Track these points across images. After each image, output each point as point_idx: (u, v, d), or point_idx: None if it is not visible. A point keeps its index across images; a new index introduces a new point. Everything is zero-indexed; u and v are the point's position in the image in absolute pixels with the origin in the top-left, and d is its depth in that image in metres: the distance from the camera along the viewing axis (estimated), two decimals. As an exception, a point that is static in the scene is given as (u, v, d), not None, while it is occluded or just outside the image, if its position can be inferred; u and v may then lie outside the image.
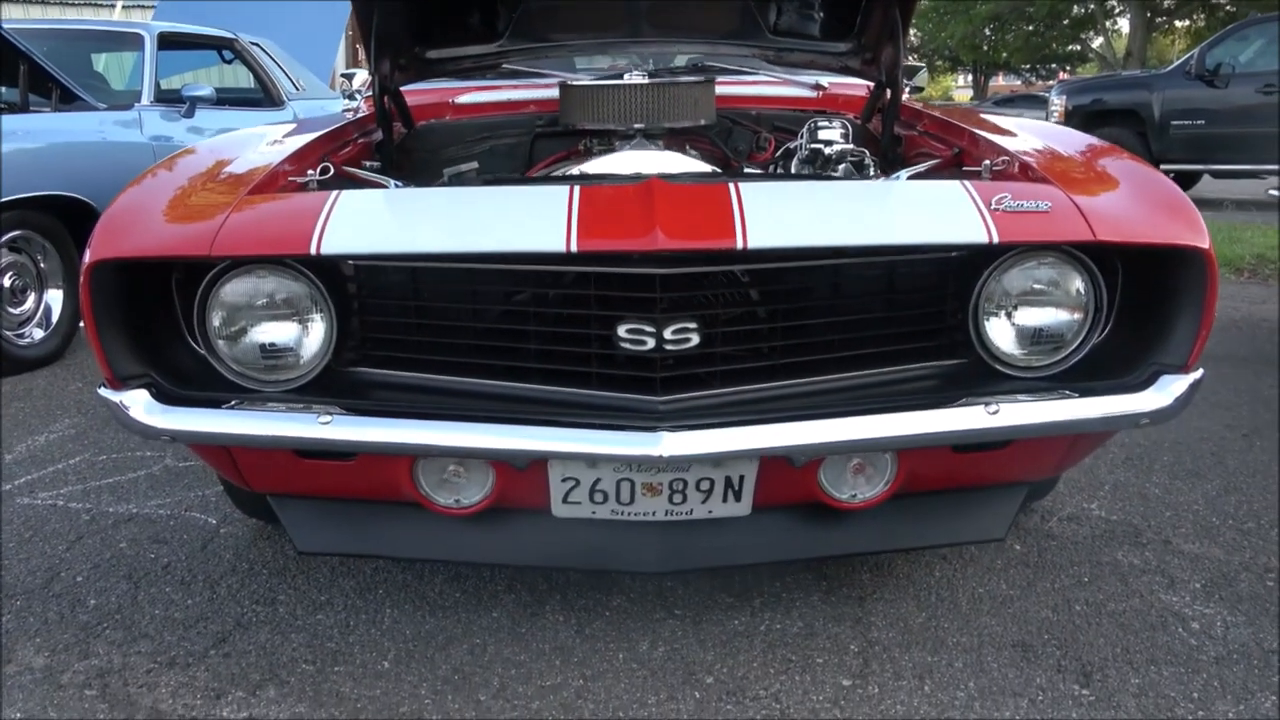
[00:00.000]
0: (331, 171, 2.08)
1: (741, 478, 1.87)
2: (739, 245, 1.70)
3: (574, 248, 1.69)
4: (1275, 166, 9.14)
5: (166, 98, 5.51)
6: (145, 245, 1.79)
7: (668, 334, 1.76)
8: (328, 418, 1.79)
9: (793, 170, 2.84)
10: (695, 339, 1.78)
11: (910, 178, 2.18)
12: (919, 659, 2.04)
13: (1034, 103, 18.26)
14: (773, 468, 1.85)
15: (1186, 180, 10.20)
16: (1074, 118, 10.51)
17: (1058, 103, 11.00)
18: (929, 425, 1.81)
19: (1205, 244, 1.81)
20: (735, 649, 2.09)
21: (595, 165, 2.30)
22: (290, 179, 2.06)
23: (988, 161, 2.07)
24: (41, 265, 4.58)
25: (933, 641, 2.11)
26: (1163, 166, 8.95)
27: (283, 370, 1.88)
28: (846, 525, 2.04)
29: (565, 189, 1.80)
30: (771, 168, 2.88)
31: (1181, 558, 2.48)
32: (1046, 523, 2.67)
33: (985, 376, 1.94)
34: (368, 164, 2.54)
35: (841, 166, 2.70)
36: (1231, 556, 2.49)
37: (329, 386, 1.90)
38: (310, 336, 1.88)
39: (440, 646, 2.11)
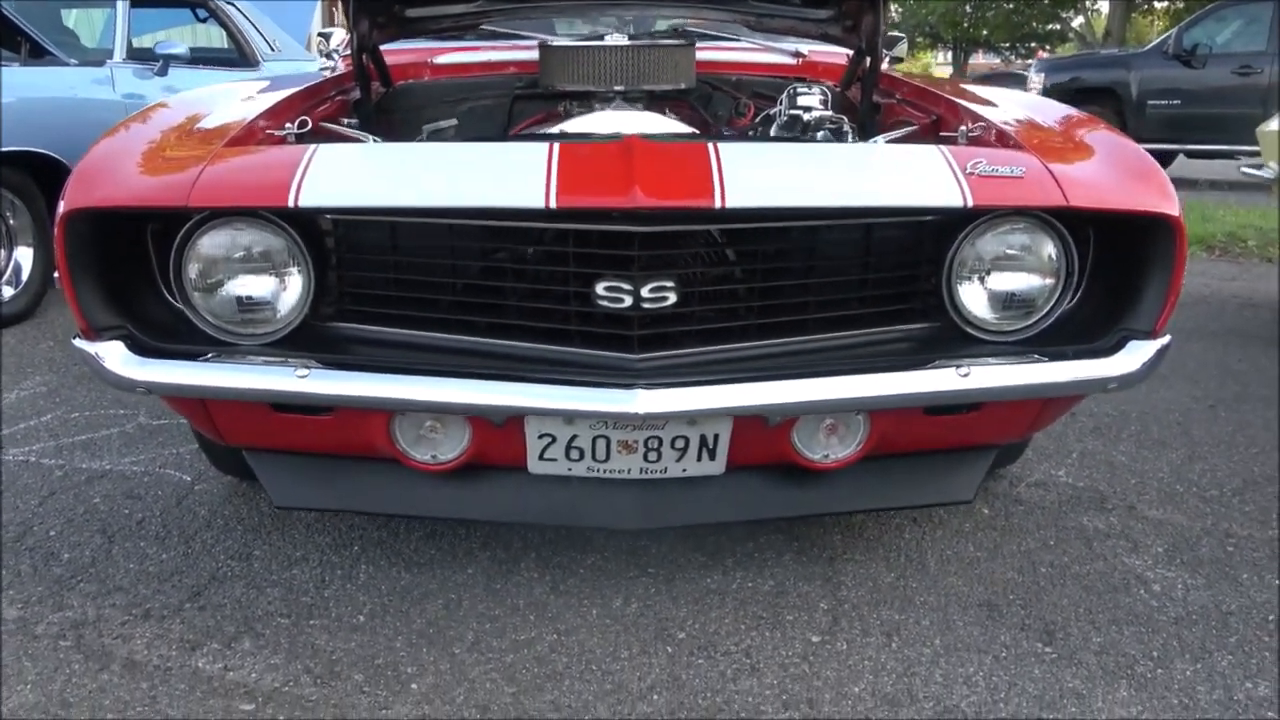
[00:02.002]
0: (310, 125, 2.07)
1: (716, 436, 1.89)
2: (717, 204, 1.71)
3: (553, 204, 1.70)
4: (1250, 147, 9.23)
5: (139, 55, 5.43)
6: (121, 195, 1.78)
7: (645, 292, 1.77)
8: (305, 371, 1.79)
9: (771, 135, 2.86)
10: (672, 298, 1.79)
11: (887, 143, 2.20)
12: (887, 617, 2.08)
13: (1013, 81, 18.28)
14: (747, 427, 1.87)
15: (1163, 160, 10.25)
16: (1052, 95, 10.54)
17: (1036, 80, 11.05)
18: (901, 386, 1.84)
19: (1175, 211, 1.84)
20: (707, 606, 2.12)
21: (575, 125, 2.30)
22: (268, 133, 2.05)
23: (964, 127, 2.09)
24: (11, 223, 4.53)
25: (900, 600, 2.15)
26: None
27: (259, 324, 1.88)
28: (818, 485, 2.07)
29: (544, 146, 1.81)
30: (750, 133, 2.89)
31: (1145, 523, 2.53)
32: (1015, 488, 2.72)
33: (957, 340, 1.96)
34: (345, 121, 2.53)
35: (820, 133, 2.71)
36: (1194, 523, 2.54)
37: (306, 341, 1.90)
38: (287, 290, 1.87)
39: (415, 601, 2.13)
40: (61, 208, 1.77)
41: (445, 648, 1.97)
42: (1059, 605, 2.13)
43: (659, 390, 1.76)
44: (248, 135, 2.01)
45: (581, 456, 1.91)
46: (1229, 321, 4.66)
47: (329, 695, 1.83)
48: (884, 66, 2.87)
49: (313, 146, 1.84)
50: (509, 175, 1.75)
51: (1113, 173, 1.92)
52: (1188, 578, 2.26)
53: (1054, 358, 1.91)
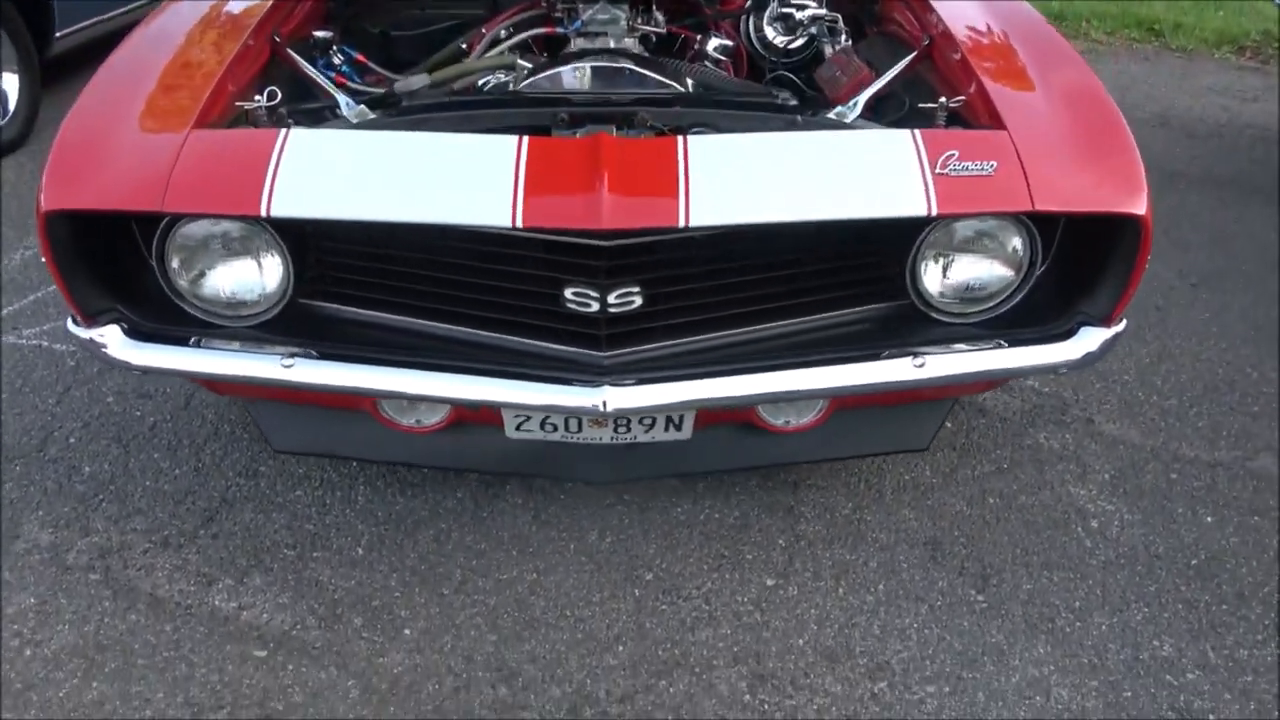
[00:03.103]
0: (279, 96, 2.04)
1: (681, 416, 2.00)
2: (681, 224, 1.74)
3: (519, 223, 1.73)
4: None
5: None
6: (96, 199, 1.80)
7: (612, 299, 1.83)
8: (290, 361, 1.88)
9: (763, 28, 2.76)
10: (638, 301, 1.86)
11: (862, 123, 2.14)
12: (839, 557, 2.28)
13: None
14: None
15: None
16: None
17: None
18: (858, 378, 1.93)
19: (1142, 210, 1.85)
20: (675, 541, 2.31)
21: (548, 77, 2.24)
22: (238, 104, 2.03)
23: (943, 100, 2.04)
24: (-8, 49, 4.41)
25: (854, 537, 2.33)
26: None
27: (244, 307, 1.95)
28: (781, 440, 2.20)
29: (513, 151, 1.80)
30: (743, 21, 2.79)
31: (1099, 442, 2.67)
32: (980, 397, 2.84)
33: (918, 321, 2.03)
34: (319, 35, 2.46)
35: (814, 27, 2.61)
36: (1146, 440, 2.68)
37: (293, 322, 1.98)
38: (268, 276, 1.93)
39: (409, 532, 2.33)
40: (41, 204, 1.80)
41: (435, 588, 2.19)
42: (999, 544, 2.32)
43: (625, 388, 1.86)
44: (216, 102, 2.00)
45: (556, 429, 2.04)
46: (1238, 164, 4.57)
47: (331, 641, 2.06)
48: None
49: (281, 138, 1.84)
50: (477, 190, 1.76)
51: (1085, 165, 1.90)
52: (1126, 512, 2.43)
53: (1010, 342, 1.98)
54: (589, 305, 1.84)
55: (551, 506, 2.41)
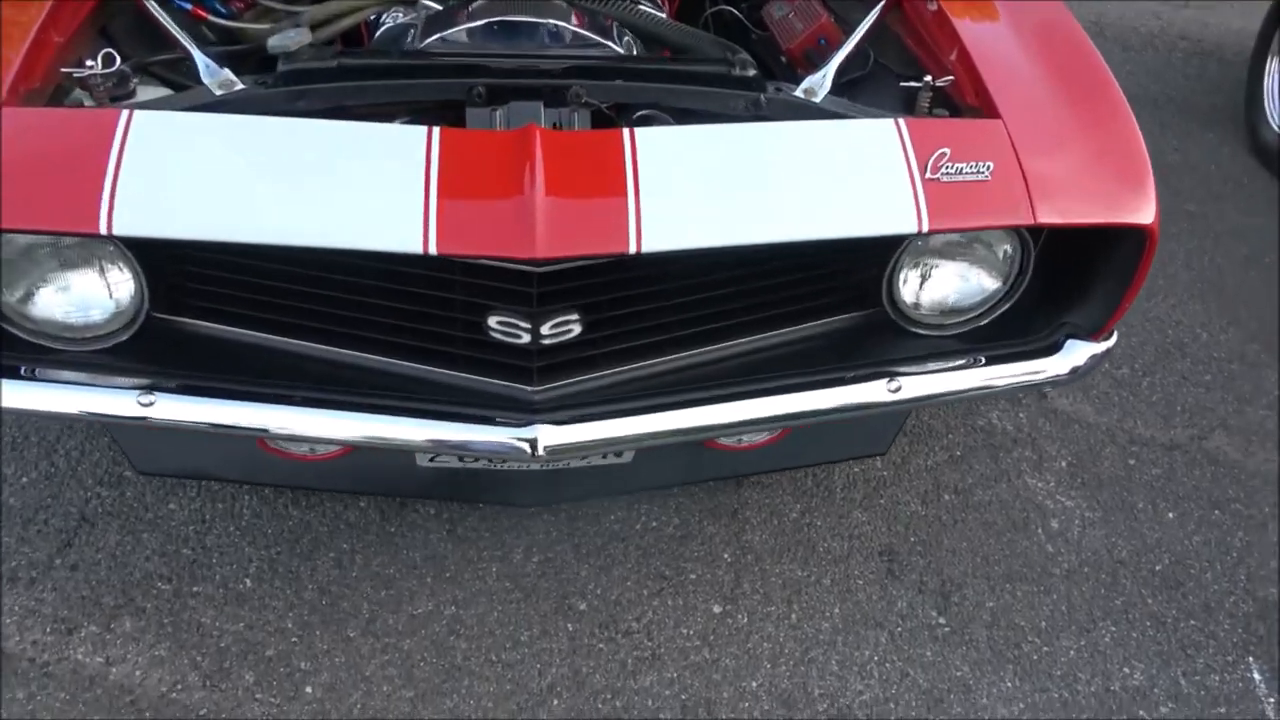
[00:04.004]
0: (117, 62, 1.61)
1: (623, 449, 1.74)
2: (632, 249, 1.44)
3: (431, 248, 1.40)
4: None
5: None
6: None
7: (545, 329, 1.54)
8: (149, 398, 1.55)
9: None
10: (576, 329, 1.57)
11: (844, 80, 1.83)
12: (789, 574, 2.08)
13: None
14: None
15: None
16: None
17: None
18: (825, 403, 1.69)
19: (1150, 219, 1.62)
20: (610, 559, 2.08)
21: (459, 32, 1.85)
22: (63, 70, 1.61)
23: (929, 78, 1.74)
24: None
25: (804, 548, 2.13)
26: None
27: (88, 329, 1.59)
28: (734, 456, 1.97)
29: (421, 148, 1.45)
30: None
31: (1053, 422, 2.51)
32: (930, 368, 2.64)
33: (891, 334, 1.79)
34: None
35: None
36: (1100, 418, 2.53)
37: (151, 343, 1.63)
38: (116, 290, 1.57)
39: (305, 555, 2.04)
40: None
41: (339, 629, 1.92)
42: (957, 552, 2.15)
43: (560, 426, 1.58)
44: (36, 64, 1.59)
45: (476, 460, 1.75)
46: (1173, 81, 4.38)
47: (220, 704, 1.78)
48: None
49: (123, 123, 1.45)
50: (376, 205, 1.42)
51: (1091, 169, 1.65)
52: (1086, 508, 2.28)
53: (991, 359, 1.76)
54: (518, 336, 1.55)
55: (469, 519, 2.13)
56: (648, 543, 2.12)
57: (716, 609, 2.00)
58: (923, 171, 1.57)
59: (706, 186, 1.51)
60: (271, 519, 2.10)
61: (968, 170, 1.59)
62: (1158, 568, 2.16)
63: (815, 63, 2.16)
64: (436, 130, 1.49)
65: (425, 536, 2.09)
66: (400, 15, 2.05)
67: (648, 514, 2.17)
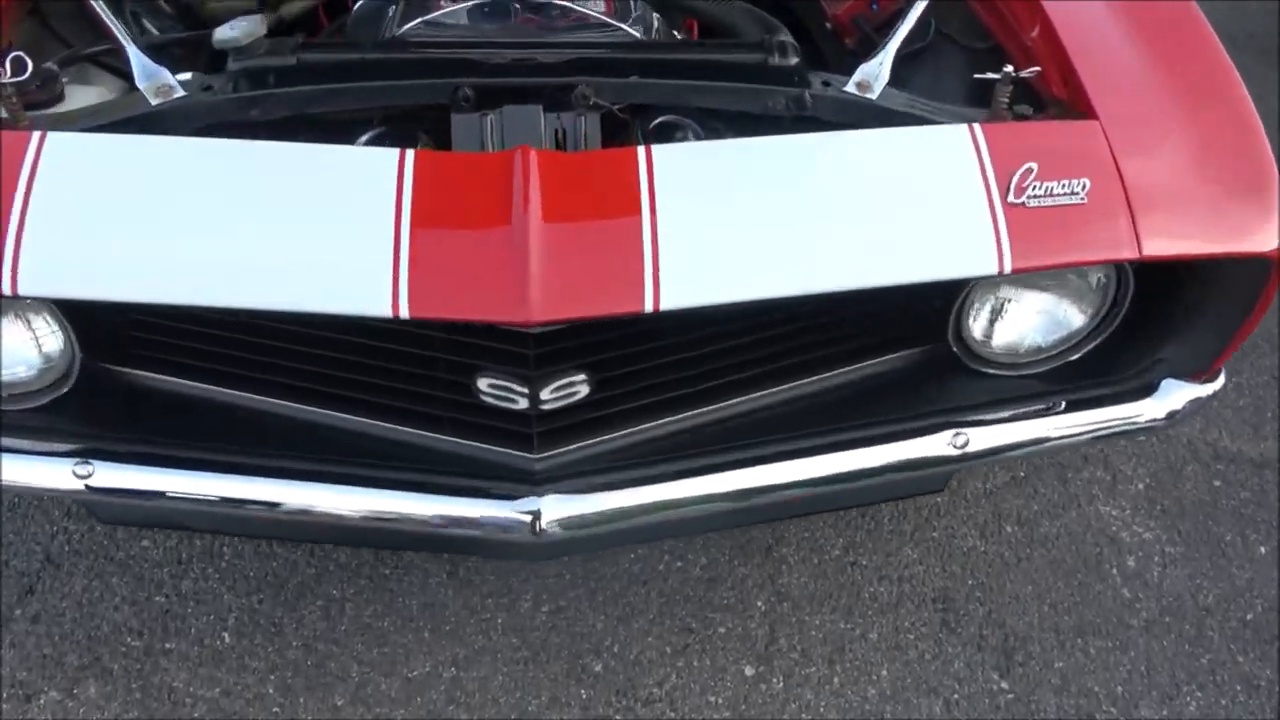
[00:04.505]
0: (28, 69, 1.34)
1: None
2: (648, 308, 1.17)
3: (403, 311, 1.15)
4: None
5: None
6: None
7: (546, 393, 1.29)
8: (87, 468, 1.32)
9: None
10: (583, 391, 1.32)
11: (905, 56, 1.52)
12: (831, 626, 1.84)
13: None
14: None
15: None
16: None
17: None
18: (874, 461, 1.44)
19: (1272, 245, 1.33)
20: (629, 609, 1.85)
21: (443, 16, 1.55)
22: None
23: (1009, 69, 1.42)
24: None
25: (848, 593, 1.89)
26: None
27: (16, 386, 1.36)
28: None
29: (392, 179, 1.19)
30: None
31: (1128, 434, 2.23)
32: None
33: (957, 374, 1.52)
34: None
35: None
36: (1180, 429, 2.24)
37: (91, 398, 1.40)
38: (43, 343, 1.34)
39: (289, 604, 1.83)
40: None
41: (326, 696, 1.71)
42: (1021, 598, 1.91)
43: (566, 497, 1.35)
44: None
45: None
46: (1258, 20, 3.96)
47: (191, 790, 1.59)
48: None
49: (33, 148, 1.20)
50: (337, 258, 1.16)
51: (1204, 177, 1.36)
52: (1165, 542, 2.02)
53: (1072, 404, 1.50)
54: (513, 401, 1.30)
55: (471, 558, 1.91)
56: (671, 587, 1.89)
57: (749, 671, 1.78)
58: (1004, 194, 1.29)
59: (740, 222, 1.23)
60: (254, 559, 1.89)
61: (1058, 191, 1.30)
62: (1249, 616, 1.91)
63: (865, 31, 1.86)
64: (410, 154, 1.23)
65: (424, 580, 1.87)
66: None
67: (671, 551, 1.94)
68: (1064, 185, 1.30)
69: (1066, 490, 2.10)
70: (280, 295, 1.15)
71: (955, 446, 1.43)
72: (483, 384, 1.29)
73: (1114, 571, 1.96)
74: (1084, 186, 1.31)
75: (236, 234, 1.18)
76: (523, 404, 1.29)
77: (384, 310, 1.14)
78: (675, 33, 1.80)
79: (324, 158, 1.24)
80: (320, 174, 1.22)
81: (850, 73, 1.66)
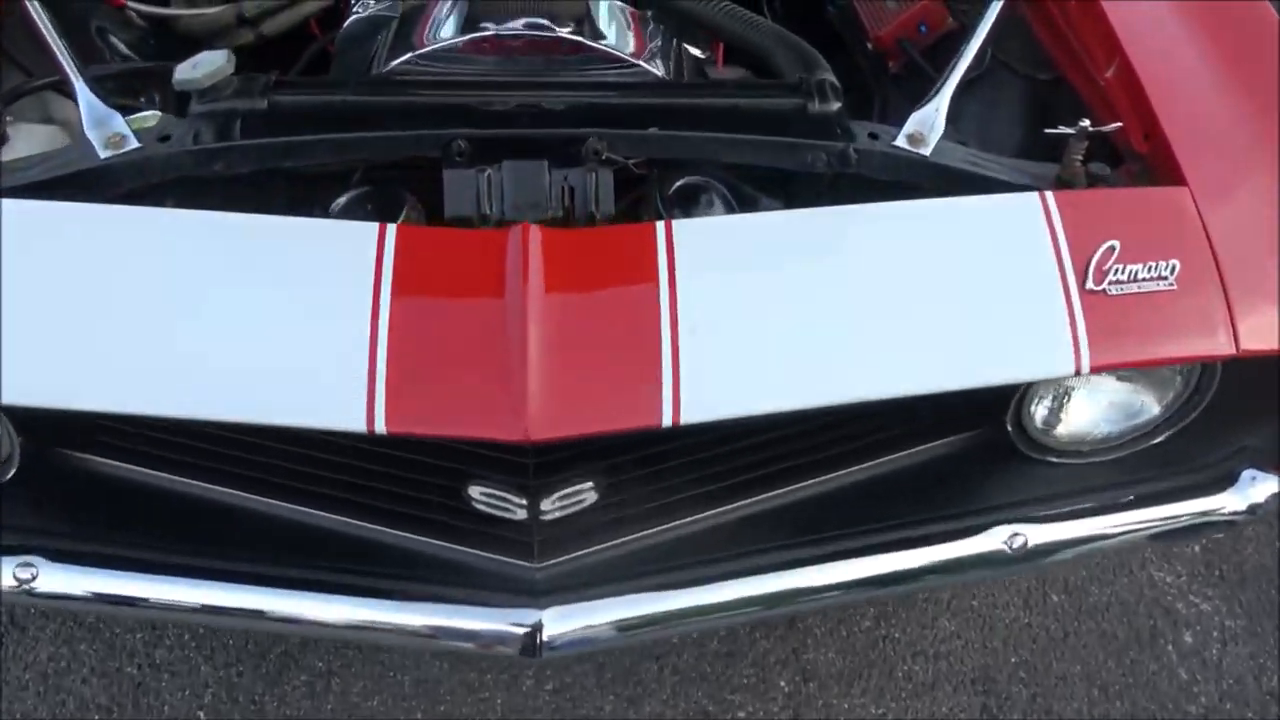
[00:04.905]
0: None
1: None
2: (667, 422, 1.00)
3: (379, 426, 0.98)
4: None
5: None
6: None
7: (548, 503, 1.12)
8: (29, 569, 1.17)
9: None
10: (590, 498, 1.15)
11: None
12: (861, 712, 1.69)
13: None
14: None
15: None
16: None
17: None
18: (914, 562, 1.27)
19: None
20: (639, 688, 1.69)
21: (439, 51, 1.36)
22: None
23: (1085, 124, 1.23)
24: None
25: (879, 672, 1.74)
26: None
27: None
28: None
29: (369, 273, 1.02)
30: None
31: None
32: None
33: (1011, 461, 1.35)
34: None
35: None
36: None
37: (35, 488, 1.25)
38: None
39: (271, 678, 1.68)
40: None
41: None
42: (1069, 680, 1.75)
43: (570, 608, 1.19)
44: None
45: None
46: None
47: None
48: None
49: None
50: (302, 368, 0.99)
51: None
52: (1225, 614, 1.85)
53: (1141, 497, 1.33)
54: (510, 512, 1.14)
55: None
56: (686, 663, 1.73)
57: (770, 771, 1.63)
58: (1081, 279, 1.11)
59: (776, 314, 1.06)
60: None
61: (1144, 275, 1.13)
62: (1320, 704, 1.75)
63: (911, 55, 1.67)
64: (391, 231, 1.05)
65: (417, 652, 1.72)
66: (372, 2, 1.57)
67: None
68: (1150, 268, 1.13)
69: (1117, 554, 1.93)
70: (234, 407, 0.99)
71: (1011, 548, 1.26)
72: (474, 492, 1.13)
73: (1169, 648, 1.80)
74: (1173, 269, 1.13)
75: (186, 331, 1.01)
76: (520, 514, 1.13)
77: (356, 425, 0.98)
78: (697, 51, 1.60)
79: (290, 233, 1.07)
80: (286, 255, 1.05)
81: (893, 104, 1.49)
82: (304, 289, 1.02)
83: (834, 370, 1.05)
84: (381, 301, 1.01)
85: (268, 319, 1.01)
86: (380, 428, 0.98)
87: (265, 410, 0.99)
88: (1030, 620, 1.82)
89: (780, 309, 1.07)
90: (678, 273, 1.05)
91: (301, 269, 1.04)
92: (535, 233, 1.04)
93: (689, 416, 1.00)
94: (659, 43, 1.49)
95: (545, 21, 1.41)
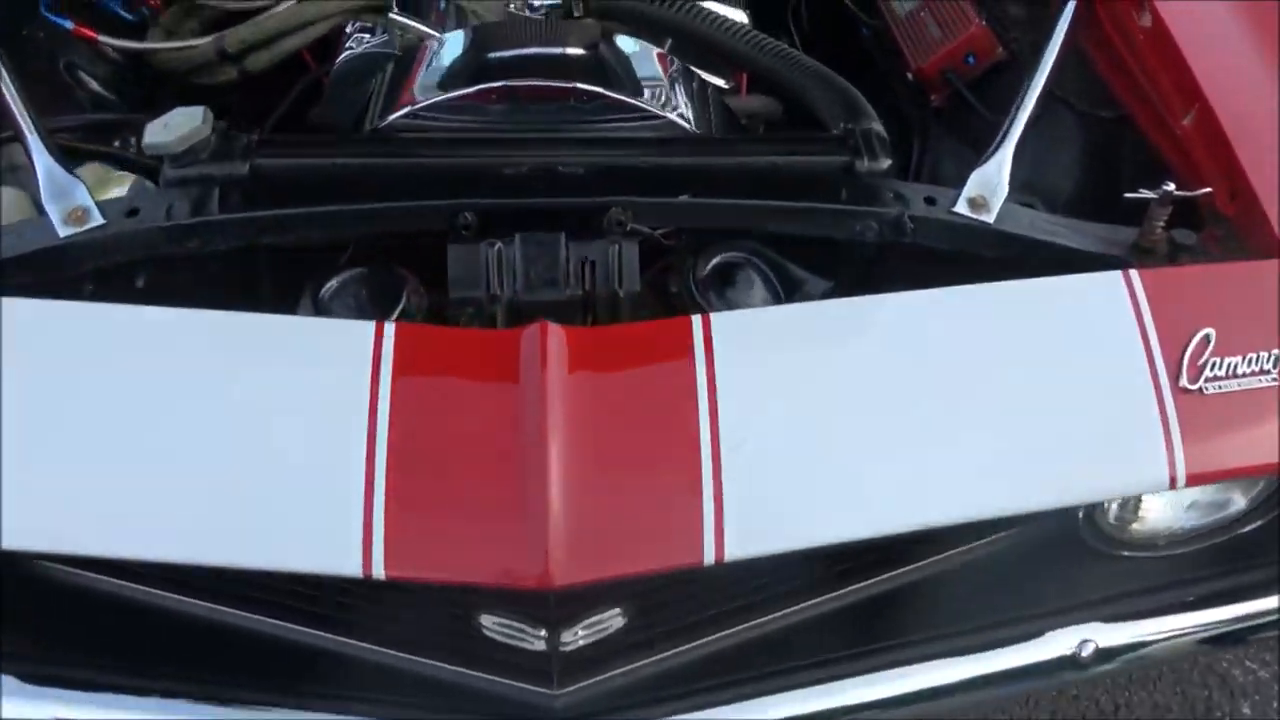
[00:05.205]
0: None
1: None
2: (709, 561, 0.87)
3: (376, 570, 0.85)
4: None
5: None
6: None
7: (569, 635, 1.00)
8: (-12, 691, 1.05)
9: None
10: (617, 624, 1.02)
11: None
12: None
13: None
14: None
15: None
16: None
17: None
18: (971, 672, 1.16)
19: None
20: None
21: (444, 104, 1.22)
22: None
23: (1169, 188, 1.09)
24: None
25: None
26: None
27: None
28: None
29: (365, 384, 0.88)
30: None
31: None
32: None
33: (1078, 555, 1.22)
34: None
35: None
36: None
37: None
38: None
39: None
40: None
41: None
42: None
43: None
44: None
45: None
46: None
47: None
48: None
49: None
50: (288, 505, 0.86)
51: None
52: (1284, 684, 1.73)
53: (1215, 594, 1.21)
54: (528, 642, 1.01)
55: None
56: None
57: None
58: (1174, 378, 0.98)
59: (830, 426, 0.93)
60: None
61: (1243, 370, 1.00)
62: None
63: (957, 88, 1.52)
64: (389, 331, 0.92)
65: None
66: (367, 38, 1.42)
67: None
68: (1250, 361, 1.00)
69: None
70: (219, 550, 0.86)
71: (1081, 656, 1.15)
72: (486, 620, 1.00)
73: (1228, 722, 1.68)
74: (1275, 361, 1.00)
75: (165, 466, 0.88)
76: (539, 645, 1.00)
77: (351, 569, 0.85)
78: (720, 80, 1.46)
79: (275, 337, 0.94)
80: (271, 368, 0.92)
81: (935, 140, 1.35)
82: (292, 409, 0.89)
83: (901, 491, 0.92)
84: (379, 421, 0.87)
85: (253, 448, 0.88)
86: (378, 572, 0.85)
87: (251, 553, 0.86)
88: (1078, 691, 1.70)
89: (837, 418, 0.93)
90: (718, 377, 0.92)
91: (289, 383, 0.90)
92: (554, 334, 0.91)
93: (734, 551, 0.87)
94: (680, 81, 1.34)
95: (558, 53, 1.29)
